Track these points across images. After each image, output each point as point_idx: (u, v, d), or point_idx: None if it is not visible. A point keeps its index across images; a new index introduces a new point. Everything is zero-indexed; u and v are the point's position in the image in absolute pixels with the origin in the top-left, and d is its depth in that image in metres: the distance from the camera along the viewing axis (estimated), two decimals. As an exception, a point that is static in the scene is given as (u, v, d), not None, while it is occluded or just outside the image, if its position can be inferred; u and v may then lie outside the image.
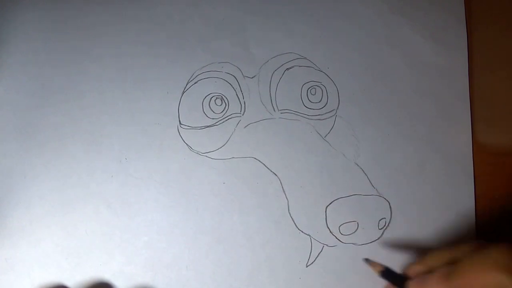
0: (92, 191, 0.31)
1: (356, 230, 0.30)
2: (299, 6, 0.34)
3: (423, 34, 0.33)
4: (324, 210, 0.30)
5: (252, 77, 0.33)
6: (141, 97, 0.32)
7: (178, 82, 0.33)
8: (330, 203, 0.30)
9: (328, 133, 0.32)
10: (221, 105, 0.32)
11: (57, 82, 0.33)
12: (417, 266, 0.26)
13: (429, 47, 0.33)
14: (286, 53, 0.33)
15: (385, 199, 0.31)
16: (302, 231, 0.30)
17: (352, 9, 0.34)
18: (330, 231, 0.30)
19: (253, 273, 0.30)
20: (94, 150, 0.32)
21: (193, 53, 0.33)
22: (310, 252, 0.30)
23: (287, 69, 0.33)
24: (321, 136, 0.32)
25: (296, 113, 0.32)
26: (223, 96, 0.32)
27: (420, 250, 0.30)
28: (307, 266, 0.30)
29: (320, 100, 0.32)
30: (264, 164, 0.31)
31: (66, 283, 0.30)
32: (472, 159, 0.31)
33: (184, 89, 0.33)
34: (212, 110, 0.32)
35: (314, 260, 0.30)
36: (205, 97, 0.32)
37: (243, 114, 0.32)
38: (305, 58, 0.33)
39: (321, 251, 0.30)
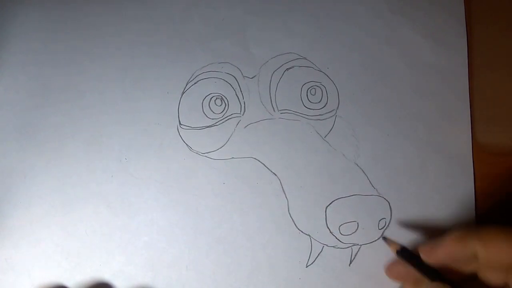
0: (92, 191, 0.31)
1: (356, 230, 0.30)
2: (299, 6, 0.34)
3: (423, 34, 0.33)
4: (324, 210, 0.30)
5: (252, 77, 0.33)
6: (141, 97, 0.33)
7: (178, 82, 0.33)
8: (330, 203, 0.30)
9: (328, 133, 0.32)
10: (221, 105, 0.32)
11: (57, 82, 0.33)
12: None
13: (429, 47, 0.33)
14: (286, 53, 0.33)
15: (385, 199, 0.31)
16: (302, 231, 0.30)
17: (352, 9, 0.34)
18: (330, 231, 0.30)
19: (253, 273, 0.30)
20: (94, 150, 0.32)
21: (193, 53, 0.33)
22: (310, 252, 0.30)
23: (287, 69, 0.33)
24: (321, 136, 0.32)
25: (296, 113, 0.32)
26: (223, 96, 0.32)
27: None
28: (307, 266, 0.30)
29: (320, 100, 0.32)
30: (264, 164, 0.31)
31: (66, 283, 0.30)
32: (472, 159, 0.32)
33: (184, 89, 0.33)
34: (212, 110, 0.32)
35: (314, 260, 0.30)
36: (205, 97, 0.32)
37: (243, 114, 0.32)
38: (305, 58, 0.33)
39: (321, 251, 0.30)
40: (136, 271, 0.30)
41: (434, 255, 0.25)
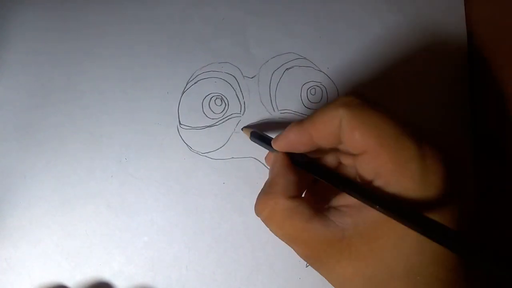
0: (92, 191, 0.31)
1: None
2: (299, 6, 0.34)
3: (423, 33, 0.33)
4: (324, 210, 0.30)
5: (252, 77, 0.33)
6: (141, 97, 0.33)
7: (178, 82, 0.33)
8: (330, 203, 0.30)
9: (328, 133, 0.32)
10: (220, 105, 0.32)
11: (57, 82, 0.33)
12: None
13: (429, 47, 0.33)
14: (286, 53, 0.33)
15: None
16: (302, 231, 0.30)
17: (352, 9, 0.34)
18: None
19: (253, 273, 0.30)
20: (94, 150, 0.32)
21: (193, 53, 0.33)
22: (310, 252, 0.30)
23: (287, 69, 0.33)
24: (321, 136, 0.32)
25: (296, 113, 0.32)
26: (223, 96, 0.32)
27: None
28: (307, 266, 0.30)
29: (320, 100, 0.32)
30: (264, 164, 0.31)
31: (66, 283, 0.30)
32: (472, 159, 0.31)
33: (184, 89, 0.33)
34: (212, 110, 0.32)
35: (314, 260, 0.30)
36: (205, 97, 0.32)
37: (243, 114, 0.32)
38: (305, 58, 0.33)
39: (321, 251, 0.30)
40: (136, 271, 0.30)
41: (277, 142, 0.24)
